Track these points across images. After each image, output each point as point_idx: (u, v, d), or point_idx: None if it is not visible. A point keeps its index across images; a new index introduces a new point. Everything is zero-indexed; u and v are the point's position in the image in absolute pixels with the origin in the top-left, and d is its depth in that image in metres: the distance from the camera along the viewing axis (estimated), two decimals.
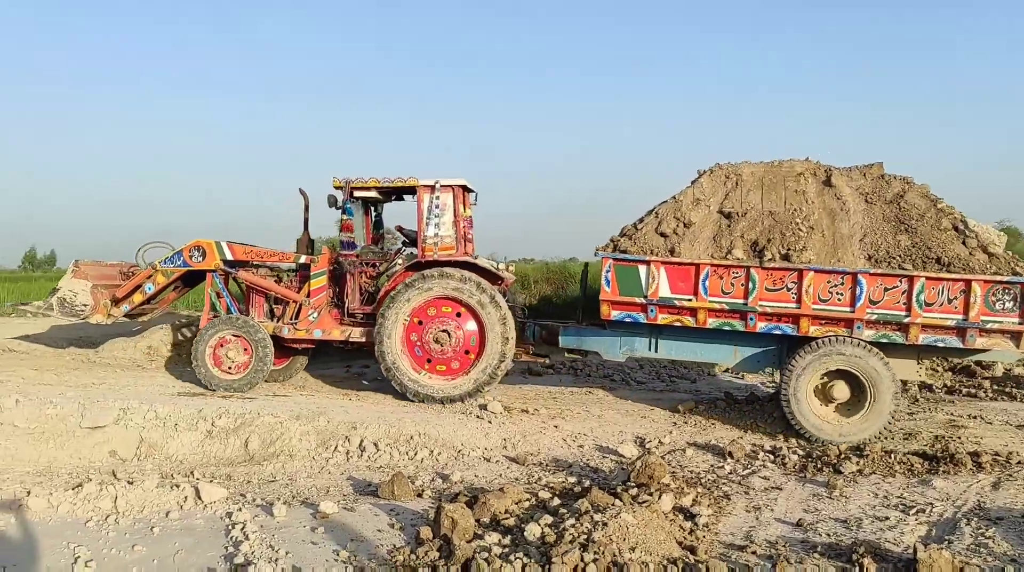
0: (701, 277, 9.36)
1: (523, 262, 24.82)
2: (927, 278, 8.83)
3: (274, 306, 11.44)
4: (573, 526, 5.34)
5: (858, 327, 9.06)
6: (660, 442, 8.85)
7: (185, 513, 6.16)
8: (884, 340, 9.09)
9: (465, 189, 11.18)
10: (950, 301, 8.82)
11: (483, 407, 10.10)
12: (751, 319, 9.33)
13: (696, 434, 9.42)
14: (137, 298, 11.39)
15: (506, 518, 5.91)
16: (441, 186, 10.64)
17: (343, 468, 7.88)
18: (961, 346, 8.94)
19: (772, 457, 8.25)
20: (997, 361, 12.37)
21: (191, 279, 11.91)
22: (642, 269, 9.53)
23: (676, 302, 9.48)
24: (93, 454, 8.39)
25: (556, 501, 6.31)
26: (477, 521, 5.76)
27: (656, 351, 10.07)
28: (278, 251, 11.48)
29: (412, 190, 10.91)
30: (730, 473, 7.67)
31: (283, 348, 11.61)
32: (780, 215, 9.71)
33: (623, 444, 8.68)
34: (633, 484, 6.69)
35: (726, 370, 14.21)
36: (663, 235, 9.80)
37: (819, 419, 9.18)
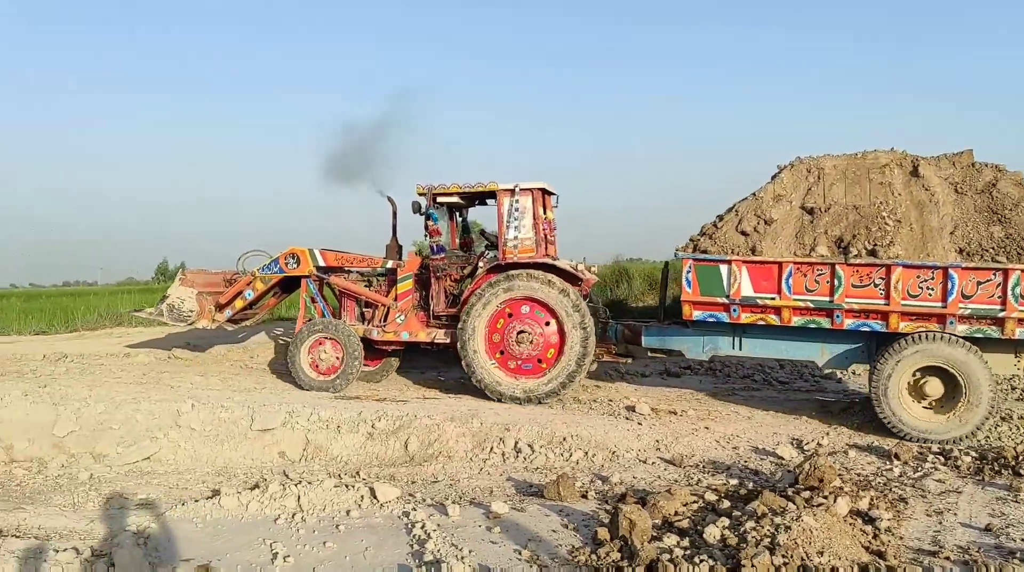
0: (784, 275, 9.21)
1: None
2: (1022, 271, 8.50)
3: (364, 310, 11.89)
4: (754, 529, 5.29)
5: (951, 322, 8.79)
6: (818, 444, 8.63)
7: (364, 512, 6.42)
8: (979, 335, 8.78)
9: (545, 192, 11.30)
10: None
11: (631, 409, 10.10)
12: (837, 316, 9.12)
13: (854, 435, 9.15)
14: (238, 304, 12.01)
15: (678, 520, 5.91)
16: (520, 189, 10.81)
17: (501, 469, 8.04)
18: None
19: (943, 459, 7.92)
20: None
21: (289, 285, 12.40)
22: (723, 269, 9.43)
23: (759, 301, 9.36)
24: (264, 455, 8.87)
25: (726, 503, 6.25)
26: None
27: (740, 349, 9.97)
28: (367, 256, 11.93)
29: (492, 194, 11.11)
30: (900, 476, 7.40)
31: (376, 350, 12.04)
32: (865, 209, 9.46)
33: (779, 446, 8.51)
34: (802, 487, 6.56)
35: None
36: (744, 233, 9.69)
37: (912, 416, 8.97)
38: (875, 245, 9.07)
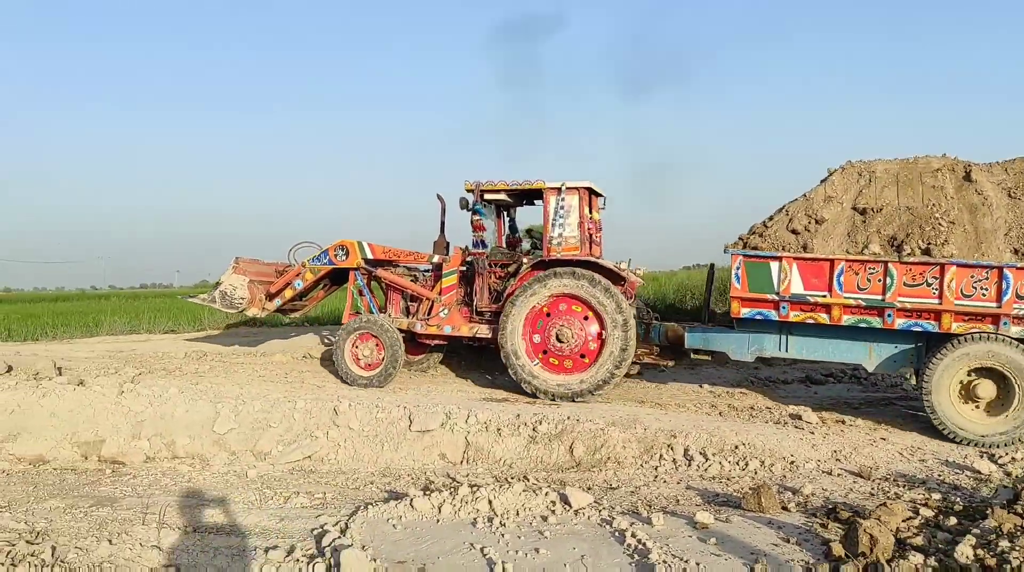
0: (836, 273, 9.11)
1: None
2: None
3: (409, 303, 11.94)
4: (1014, 549, 4.89)
5: (1004, 323, 8.66)
6: (1013, 458, 8.08)
7: (561, 518, 6.20)
8: None
9: (592, 192, 11.15)
10: None
11: (796, 417, 9.67)
12: (889, 316, 9.01)
13: None
14: (288, 293, 12.10)
15: (909, 537, 5.52)
16: (567, 188, 10.75)
17: (677, 477, 7.75)
18: None
19: None
20: None
21: (338, 278, 12.44)
22: (773, 265, 9.35)
23: (809, 298, 9.24)
24: (425, 457, 8.78)
25: (952, 520, 5.84)
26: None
27: (786, 350, 9.79)
28: (414, 252, 11.95)
29: (539, 193, 11.04)
30: None
31: (420, 342, 12.11)
32: (918, 210, 9.38)
33: (969, 459, 8.02)
34: None
35: None
36: (794, 232, 9.61)
37: (964, 418, 8.81)
38: (929, 244, 8.98)
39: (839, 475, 7.64)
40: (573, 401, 10.41)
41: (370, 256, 11.95)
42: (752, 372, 13.21)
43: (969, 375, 8.88)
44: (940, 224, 9.15)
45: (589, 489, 7.30)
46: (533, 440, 8.66)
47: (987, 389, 8.80)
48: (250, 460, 9.02)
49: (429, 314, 11.73)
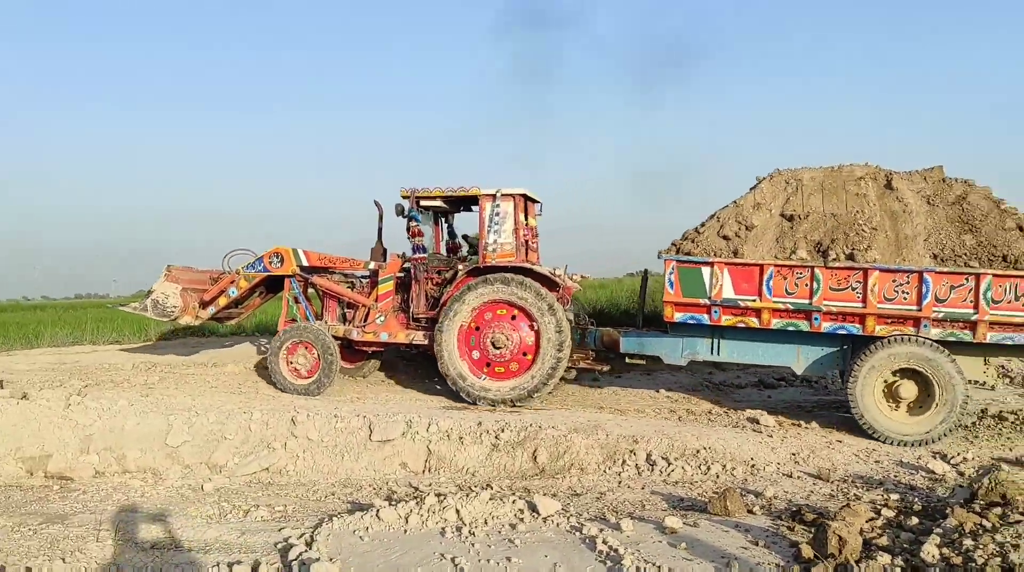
0: (765, 277, 9.36)
1: None
2: (994, 275, 8.79)
3: (346, 310, 11.90)
4: (977, 547, 5.00)
5: (925, 326, 9.03)
6: (964, 458, 8.28)
7: (530, 526, 6.16)
8: (952, 338, 9.01)
9: (527, 199, 11.29)
10: (1018, 298, 8.75)
11: (753, 421, 9.79)
12: (816, 319, 9.29)
13: (995, 449, 8.80)
14: (222, 301, 11.94)
15: (874, 537, 5.61)
16: (502, 195, 10.86)
17: (640, 482, 7.78)
18: None
19: None
20: None
21: (274, 285, 12.34)
22: (705, 270, 9.56)
23: (740, 303, 9.48)
24: (386, 467, 8.68)
25: (913, 520, 5.96)
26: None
27: (718, 354, 10.04)
28: (350, 258, 11.98)
29: (475, 199, 11.11)
30: None
31: (357, 350, 12.12)
32: (843, 217, 9.76)
33: (923, 459, 8.22)
34: (982, 503, 6.24)
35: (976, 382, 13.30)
36: (725, 238, 9.87)
37: (888, 419, 9.14)
38: (853, 250, 9.33)
39: (799, 477, 7.75)
40: (512, 406, 10.45)
41: (305, 263, 11.80)
42: (706, 377, 13.36)
43: (892, 376, 9.19)
44: (863, 230, 9.51)
45: (555, 496, 7.25)
46: (496, 448, 8.62)
47: (909, 390, 9.13)
48: (205, 473, 8.80)
49: (365, 321, 11.66)
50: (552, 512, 6.40)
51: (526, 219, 11.40)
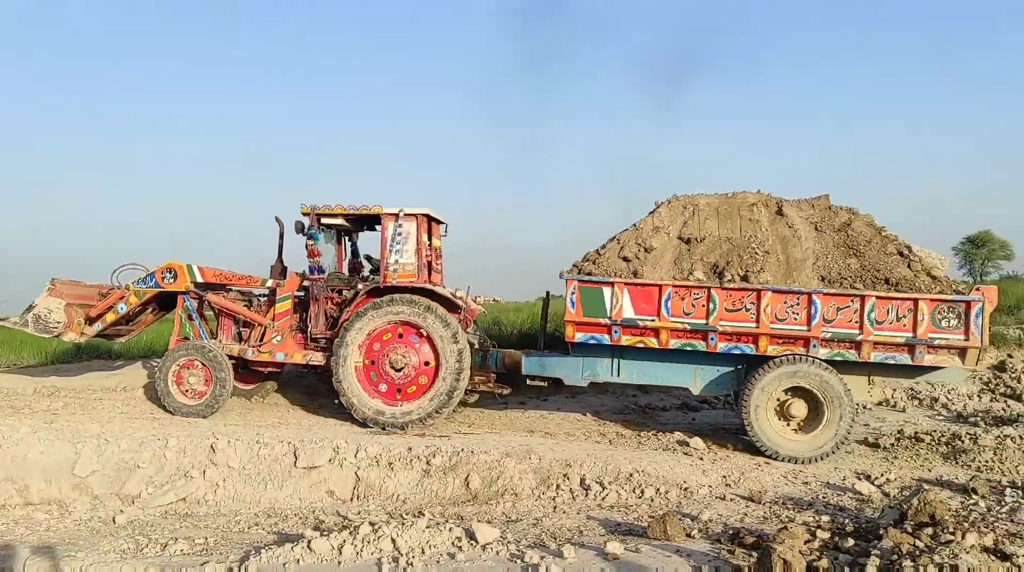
0: (664, 298, 9.61)
1: None
2: (877, 297, 9.27)
3: (242, 329, 11.58)
4: (914, 568, 5.06)
5: (814, 345, 9.39)
6: (887, 479, 8.48)
7: (470, 554, 5.98)
8: (838, 358, 9.44)
9: (431, 219, 11.33)
10: (899, 319, 9.26)
11: (683, 443, 9.84)
12: (712, 339, 9.56)
13: (915, 469, 9.06)
14: (110, 318, 11.46)
15: (814, 560, 5.64)
16: (404, 214, 10.79)
17: (576, 507, 7.69)
18: (911, 363, 9.29)
19: (1021, 493, 7.84)
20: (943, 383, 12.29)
21: (168, 302, 11.92)
22: (606, 290, 9.74)
23: (639, 323, 9.67)
24: (312, 495, 8.37)
25: (849, 542, 6.02)
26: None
27: (618, 375, 10.20)
28: (247, 275, 11.64)
29: (378, 218, 11.02)
30: (990, 511, 7.28)
31: (253, 371, 11.86)
32: (737, 240, 10.14)
33: (850, 481, 8.39)
34: (912, 523, 6.37)
35: (880, 402, 13.75)
36: (625, 259, 10.14)
37: (780, 437, 9.44)
38: (747, 272, 9.65)
39: (732, 500, 7.79)
40: (405, 429, 10.29)
41: (200, 279, 11.37)
42: (631, 399, 13.42)
43: (784, 395, 9.51)
44: (756, 253, 9.86)
45: (490, 522, 7.08)
46: (427, 473, 8.40)
47: (800, 408, 9.47)
48: (116, 504, 8.35)
49: (261, 341, 11.29)
50: (491, 539, 6.23)
51: (430, 240, 11.31)
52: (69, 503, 8.40)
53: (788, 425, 9.54)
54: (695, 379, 10.04)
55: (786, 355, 9.44)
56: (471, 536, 6.27)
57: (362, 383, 10.57)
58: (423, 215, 10.98)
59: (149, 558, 6.42)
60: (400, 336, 10.58)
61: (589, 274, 9.91)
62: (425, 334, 10.47)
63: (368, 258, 12.18)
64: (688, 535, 6.55)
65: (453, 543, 6.19)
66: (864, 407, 13.50)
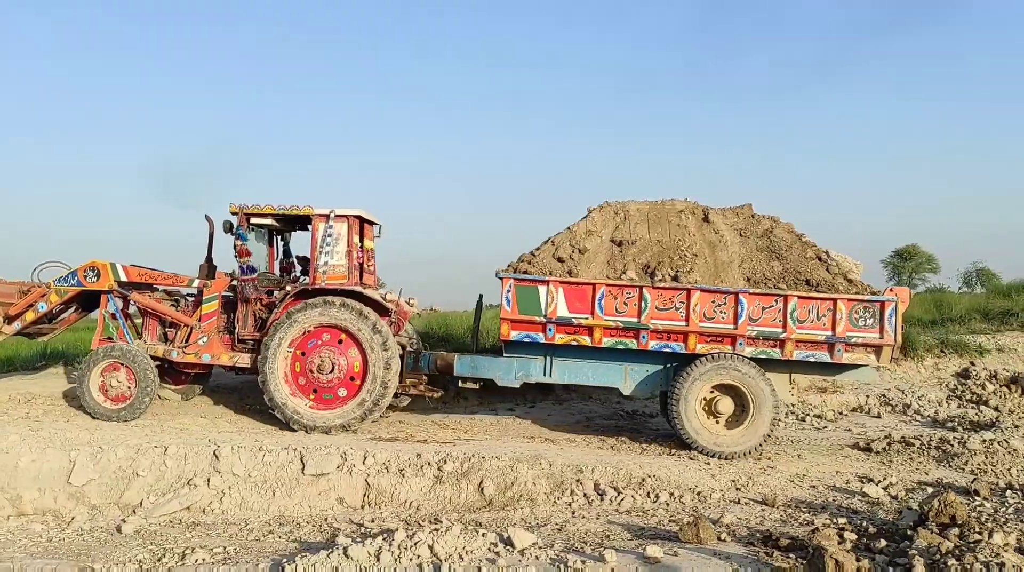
0: (597, 296, 9.81)
1: None
2: (799, 297, 9.66)
3: (168, 330, 11.37)
4: (960, 566, 5.18)
5: (740, 343, 9.73)
6: (890, 482, 8.65)
7: (510, 560, 5.92)
8: (763, 356, 9.80)
9: (363, 220, 11.31)
10: (819, 318, 9.66)
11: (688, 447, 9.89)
12: (643, 337, 9.79)
13: (912, 472, 9.26)
14: (29, 316, 11.14)
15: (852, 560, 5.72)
16: (335, 215, 10.70)
17: (594, 512, 7.68)
18: (830, 360, 9.72)
19: (1022, 494, 8.08)
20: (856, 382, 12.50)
21: (92, 301, 11.61)
22: (542, 289, 9.90)
23: (574, 321, 9.84)
24: (322, 502, 8.23)
25: (881, 543, 6.13)
26: None
27: (551, 375, 10.34)
28: (173, 274, 11.44)
29: (309, 219, 10.93)
30: (997, 512, 7.48)
31: (181, 372, 11.72)
32: (667, 243, 10.50)
33: (852, 484, 8.54)
34: (935, 524, 6.51)
35: (855, 409, 14.07)
36: (560, 260, 10.28)
37: (709, 432, 9.76)
38: (677, 272, 9.95)
39: (746, 504, 7.86)
40: (344, 431, 10.19)
41: (124, 278, 11.08)
42: (617, 406, 13.47)
43: (711, 392, 9.83)
44: (686, 255, 10.18)
45: (514, 526, 7.04)
46: (439, 480, 8.31)
47: (726, 405, 9.79)
48: (116, 514, 8.09)
49: (187, 341, 11.05)
50: (528, 544, 6.19)
51: (361, 241, 11.22)
52: (66, 513, 8.12)
53: (716, 421, 9.84)
54: (625, 379, 10.22)
55: (714, 353, 9.74)
56: (507, 541, 6.23)
57: (289, 385, 10.37)
58: (354, 216, 10.88)
59: (171, 568, 6.24)
60: (327, 340, 10.41)
61: (525, 273, 10.01)
62: (352, 337, 10.33)
63: (299, 258, 11.97)
64: (719, 538, 6.59)
65: (489, 548, 6.13)
66: (840, 413, 13.86)
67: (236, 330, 10.88)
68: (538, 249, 10.56)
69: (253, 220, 10.88)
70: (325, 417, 10.27)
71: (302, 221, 11.30)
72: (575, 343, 9.91)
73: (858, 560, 5.72)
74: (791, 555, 5.98)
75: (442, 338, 15.39)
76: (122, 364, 10.54)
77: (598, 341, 9.83)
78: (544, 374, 10.29)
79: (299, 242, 12.28)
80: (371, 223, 11.61)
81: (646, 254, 10.34)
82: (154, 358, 10.79)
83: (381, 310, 10.55)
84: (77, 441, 8.94)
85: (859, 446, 10.61)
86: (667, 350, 9.85)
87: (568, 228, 10.70)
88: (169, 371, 11.57)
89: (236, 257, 10.78)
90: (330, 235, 10.57)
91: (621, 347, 9.87)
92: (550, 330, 9.85)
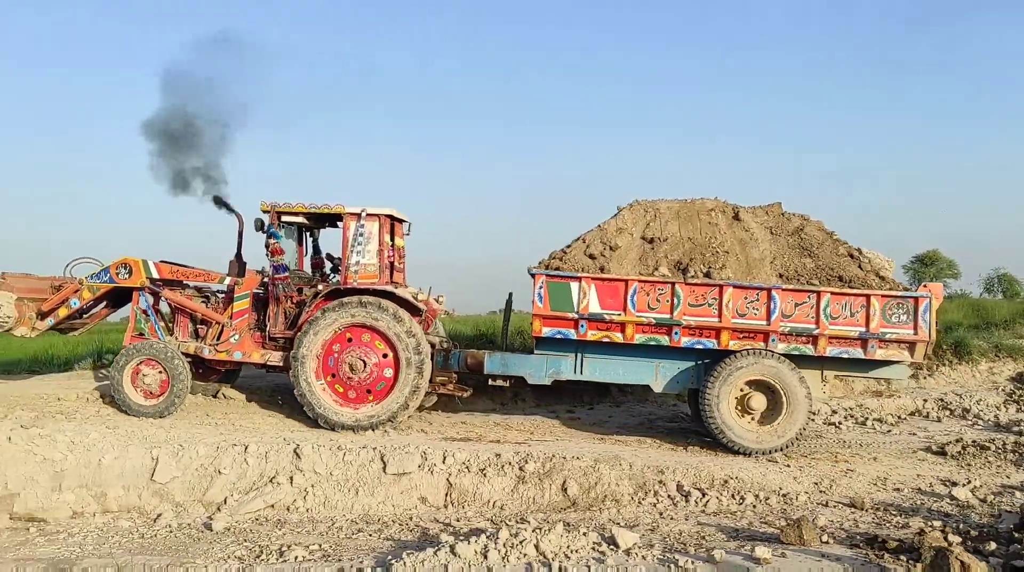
0: (630, 293, 9.75)
1: None
2: (832, 293, 9.58)
3: (199, 326, 11.34)
4: None
5: (772, 340, 9.65)
6: (975, 485, 8.54)
7: (617, 559, 5.90)
8: (795, 352, 9.71)
9: (394, 219, 11.27)
10: (853, 314, 9.58)
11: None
12: (676, 334, 9.73)
13: (993, 476, 9.12)
14: (62, 312, 11.17)
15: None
16: (367, 214, 10.65)
17: (682, 513, 7.65)
18: (863, 356, 9.62)
19: None
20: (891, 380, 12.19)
21: (122, 298, 11.65)
22: (573, 285, 9.85)
23: (606, 317, 9.78)
24: (405, 501, 8.24)
25: (991, 546, 6.05)
26: None
27: (581, 372, 10.27)
28: (205, 271, 11.41)
29: (340, 217, 10.89)
30: None
31: (210, 368, 11.72)
32: (698, 240, 10.46)
33: (936, 487, 8.44)
34: None
35: (913, 413, 13.90)
36: (591, 257, 10.25)
37: (741, 429, 9.68)
38: (709, 268, 9.91)
39: (835, 506, 7.79)
40: (374, 430, 10.13)
41: (156, 275, 11.12)
42: (674, 408, 13.40)
43: (743, 389, 9.74)
44: (718, 252, 10.15)
45: (603, 527, 7.03)
46: (521, 480, 8.30)
47: (759, 401, 9.70)
48: (200, 511, 8.13)
49: (219, 339, 11.05)
50: (631, 544, 6.17)
51: (392, 240, 11.21)
52: (150, 510, 8.17)
53: (749, 418, 9.76)
54: (656, 376, 10.15)
55: (746, 349, 9.66)
56: (610, 541, 6.21)
57: (322, 385, 10.37)
58: (385, 215, 10.86)
59: (275, 565, 6.27)
60: (359, 339, 10.36)
61: (557, 270, 9.98)
62: (384, 336, 10.28)
63: (329, 257, 11.95)
64: (821, 541, 6.53)
65: (594, 547, 6.12)
66: (900, 417, 13.70)
67: (267, 328, 10.89)
68: (569, 246, 10.54)
69: (284, 218, 10.89)
70: (356, 415, 10.24)
71: (332, 219, 11.26)
72: (607, 340, 9.85)
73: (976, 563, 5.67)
74: (901, 557, 5.91)
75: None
76: (155, 360, 10.58)
77: (630, 337, 9.77)
78: (575, 372, 10.23)
79: (328, 239, 12.25)
80: (401, 221, 11.60)
81: (678, 251, 10.30)
82: (186, 355, 10.82)
83: (412, 310, 10.53)
84: (155, 439, 8.99)
85: (931, 450, 10.46)
86: (699, 347, 9.80)
87: (599, 226, 10.68)
88: (198, 367, 11.49)
89: (268, 256, 10.81)
90: (361, 234, 10.57)
91: (653, 343, 9.82)
92: (582, 326, 9.81)
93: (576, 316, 9.78)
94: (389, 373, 10.31)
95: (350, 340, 10.37)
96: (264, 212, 10.79)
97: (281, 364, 10.68)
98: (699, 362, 10.06)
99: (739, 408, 9.78)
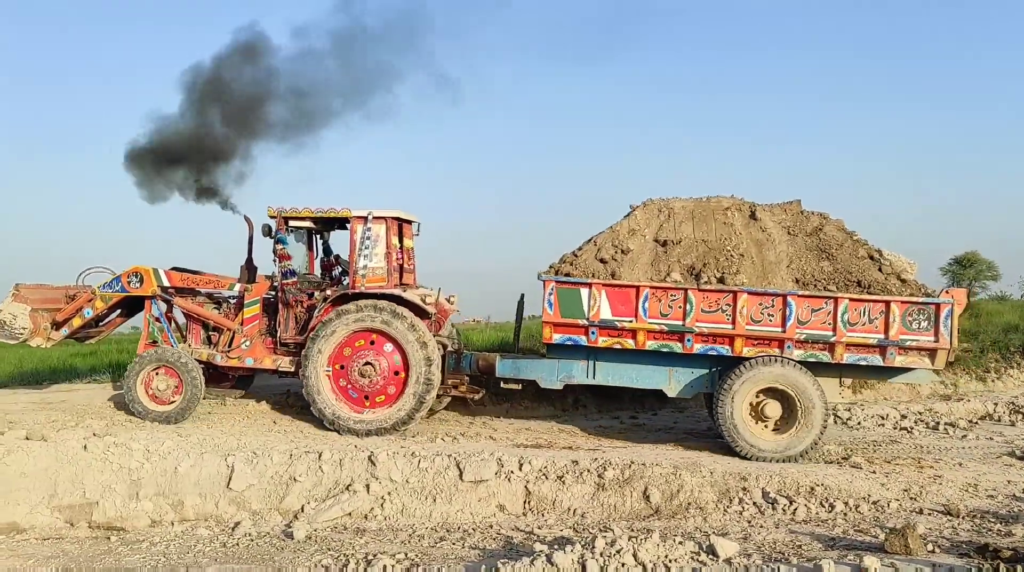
0: (641, 299, 9.53)
1: None
2: (850, 299, 9.28)
3: (211, 333, 11.30)
4: None
5: (788, 347, 9.36)
6: None
7: (716, 569, 5.73)
8: (812, 359, 9.42)
9: (401, 221, 11.13)
10: (871, 321, 9.25)
11: (844, 457, 9.54)
12: (688, 340, 9.49)
13: None
14: (76, 322, 11.21)
15: None
16: (373, 217, 10.53)
17: (771, 522, 7.45)
18: (882, 364, 9.30)
19: None
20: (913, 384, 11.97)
21: (135, 306, 11.64)
22: (584, 291, 9.65)
23: (617, 324, 9.58)
24: (483, 509, 8.15)
25: None
26: None
27: (594, 377, 10.07)
28: (215, 277, 11.38)
29: (347, 221, 10.78)
30: None
31: (224, 375, 11.64)
32: (712, 243, 10.14)
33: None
34: None
35: (984, 417, 13.50)
36: (602, 261, 10.03)
37: (756, 437, 9.36)
38: (723, 274, 9.63)
39: (931, 514, 7.51)
40: (383, 435, 10.00)
41: (166, 283, 11.12)
42: None
43: (758, 396, 9.44)
44: (732, 256, 9.85)
45: (692, 537, 6.84)
46: (601, 487, 8.14)
47: (774, 409, 9.41)
48: (277, 519, 8.08)
49: (230, 345, 11.02)
50: (732, 553, 6.00)
51: (400, 242, 11.12)
52: (227, 518, 8.15)
53: (764, 426, 9.48)
54: (670, 381, 9.92)
55: (761, 357, 9.39)
56: (708, 550, 6.03)
57: (332, 390, 10.29)
58: (392, 218, 10.78)
59: None
60: (370, 343, 10.28)
61: (567, 275, 9.80)
62: (394, 341, 10.18)
63: (338, 259, 11.85)
64: (928, 550, 6.29)
65: (692, 557, 5.95)
66: (971, 421, 13.30)
67: (278, 333, 10.85)
68: (580, 249, 10.33)
69: (291, 223, 10.87)
70: (366, 420, 10.16)
71: (340, 222, 11.19)
72: (618, 346, 9.66)
73: None
74: (1018, 567, 5.66)
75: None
76: (168, 367, 10.59)
77: (642, 344, 9.57)
78: (587, 376, 10.06)
79: (339, 240, 12.21)
80: (409, 222, 11.50)
81: (691, 255, 10.04)
82: (198, 361, 10.81)
83: (421, 313, 10.42)
84: (227, 446, 8.97)
85: (1015, 455, 10.11)
86: (712, 353, 9.55)
87: (611, 227, 10.45)
88: (212, 374, 11.44)
89: (276, 261, 10.79)
90: (368, 237, 10.48)
91: (665, 350, 9.59)
92: (593, 333, 9.62)
93: (587, 323, 9.62)
94: (399, 377, 10.24)
95: (359, 345, 10.29)
96: (271, 217, 10.76)
97: (292, 369, 10.64)
98: (713, 368, 9.84)
99: (753, 415, 9.50)
